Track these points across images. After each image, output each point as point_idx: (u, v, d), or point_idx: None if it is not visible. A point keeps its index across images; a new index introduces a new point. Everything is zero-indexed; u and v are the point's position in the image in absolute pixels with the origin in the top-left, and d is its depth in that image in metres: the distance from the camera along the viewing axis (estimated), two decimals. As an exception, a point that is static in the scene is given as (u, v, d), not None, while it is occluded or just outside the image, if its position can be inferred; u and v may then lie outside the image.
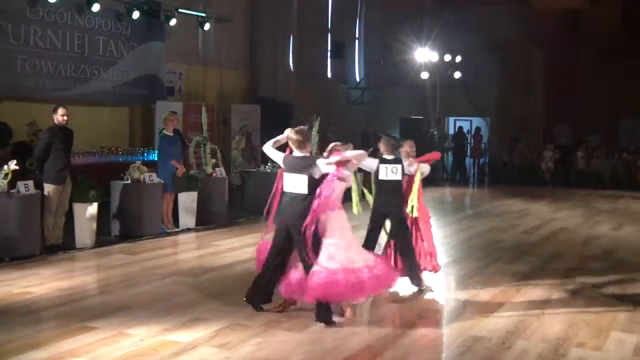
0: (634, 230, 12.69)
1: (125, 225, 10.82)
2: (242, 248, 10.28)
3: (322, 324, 6.39)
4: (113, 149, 14.35)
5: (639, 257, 10.12)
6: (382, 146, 7.87)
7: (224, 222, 12.56)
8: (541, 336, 6.24)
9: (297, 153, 6.63)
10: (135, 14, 14.69)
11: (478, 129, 24.51)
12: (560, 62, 23.81)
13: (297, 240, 6.45)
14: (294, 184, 6.50)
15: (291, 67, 20.88)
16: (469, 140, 24.59)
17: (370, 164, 7.73)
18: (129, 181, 10.91)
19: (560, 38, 23.49)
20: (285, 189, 6.57)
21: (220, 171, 12.88)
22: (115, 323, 6.34)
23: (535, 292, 7.84)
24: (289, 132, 6.66)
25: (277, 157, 6.83)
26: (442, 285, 8.34)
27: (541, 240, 11.55)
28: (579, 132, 23.62)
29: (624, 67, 22.79)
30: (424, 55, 22.23)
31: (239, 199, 14.54)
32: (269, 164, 14.46)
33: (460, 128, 24.99)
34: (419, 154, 8.09)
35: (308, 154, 6.69)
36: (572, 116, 23.96)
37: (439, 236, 11.85)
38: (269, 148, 6.89)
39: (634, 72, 22.87)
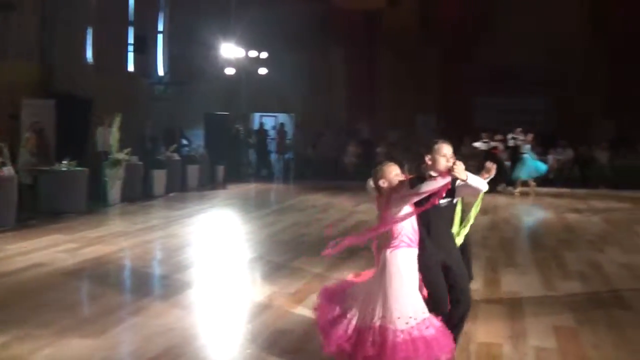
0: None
1: None
2: (34, 252, 9.62)
3: (122, 327, 6.16)
4: None
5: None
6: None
7: (12, 224, 11.70)
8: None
9: None
10: None
11: (282, 124, 24.93)
12: (362, 60, 24.87)
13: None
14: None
15: (90, 60, 19.94)
16: (271, 136, 24.93)
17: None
18: None
19: (361, 36, 24.53)
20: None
21: (8, 170, 11.98)
22: None
23: (338, 283, 8.07)
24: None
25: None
26: (247, 281, 8.37)
27: (344, 232, 11.88)
28: (379, 128, 24.79)
29: (420, 65, 24.32)
30: (229, 50, 22.18)
31: (30, 199, 13.62)
32: (64, 162, 13.71)
33: (262, 124, 25.28)
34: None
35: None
36: (373, 112, 25.12)
37: (243, 232, 11.92)
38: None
39: (429, 71, 24.48)
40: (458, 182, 4.96)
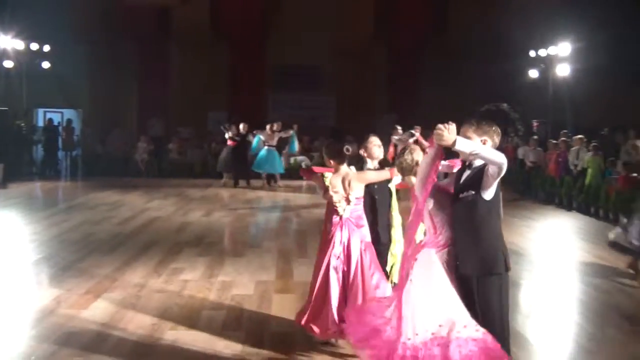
0: (221, 215, 13.48)
1: None
2: None
3: None
4: None
5: (225, 240, 10.81)
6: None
7: None
8: (137, 324, 6.25)
9: None
10: None
11: (69, 121, 23.70)
12: (153, 56, 24.35)
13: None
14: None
15: None
16: (60, 133, 23.62)
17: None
18: None
19: (152, 32, 24.02)
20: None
21: None
22: None
23: (131, 281, 7.83)
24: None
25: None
26: (32, 284, 7.86)
27: (136, 230, 11.58)
28: (171, 125, 24.42)
29: (212, 62, 24.28)
30: (7, 42, 20.64)
31: None
32: None
33: (50, 120, 23.85)
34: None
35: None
36: (165, 109, 24.71)
37: (27, 233, 11.17)
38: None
39: (219, 69, 24.51)
40: (479, 165, 4.05)
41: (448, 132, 3.75)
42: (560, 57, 20.55)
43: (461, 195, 4.05)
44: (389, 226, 5.91)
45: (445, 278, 4.13)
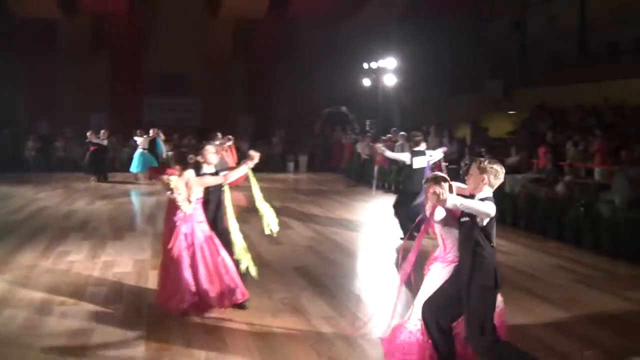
0: (103, 203, 13.05)
1: None
2: None
3: None
4: None
5: (107, 225, 10.50)
6: None
7: None
8: (28, 301, 6.03)
9: None
10: None
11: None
12: (41, 63, 23.05)
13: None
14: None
15: None
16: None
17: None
18: None
19: (41, 43, 22.76)
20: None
21: None
22: None
23: (22, 263, 7.49)
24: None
25: None
26: None
27: (26, 218, 11.01)
28: (57, 125, 23.23)
29: (93, 69, 23.36)
30: None
31: None
32: None
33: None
34: None
35: None
36: (51, 111, 23.49)
37: None
38: None
39: (100, 75, 23.61)
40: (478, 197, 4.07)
41: (442, 195, 3.78)
42: (388, 69, 21.44)
43: (462, 220, 4.11)
44: (222, 219, 5.95)
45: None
